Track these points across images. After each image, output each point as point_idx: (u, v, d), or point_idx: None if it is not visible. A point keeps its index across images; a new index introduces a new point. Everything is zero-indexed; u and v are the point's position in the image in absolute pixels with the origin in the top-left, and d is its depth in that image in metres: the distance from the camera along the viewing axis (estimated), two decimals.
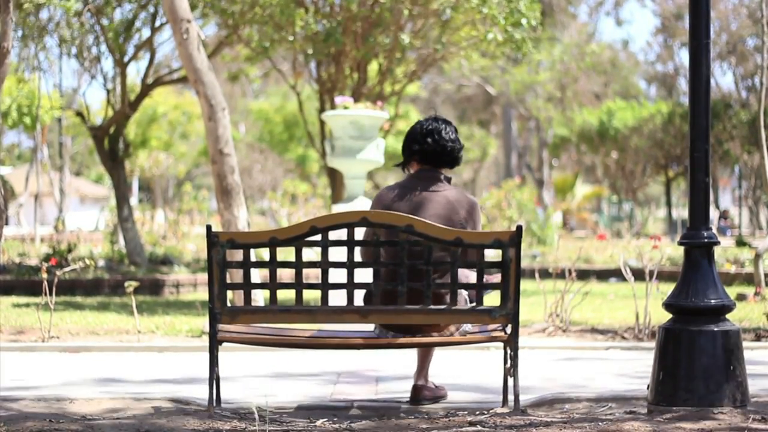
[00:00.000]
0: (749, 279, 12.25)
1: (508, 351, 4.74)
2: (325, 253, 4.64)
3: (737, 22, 28.57)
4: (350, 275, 4.63)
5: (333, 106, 11.62)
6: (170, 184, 39.10)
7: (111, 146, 13.83)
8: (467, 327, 4.97)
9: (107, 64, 25.31)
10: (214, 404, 4.70)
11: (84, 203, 40.07)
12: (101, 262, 13.55)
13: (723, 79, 57.92)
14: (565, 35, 33.71)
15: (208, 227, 4.58)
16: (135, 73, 36.41)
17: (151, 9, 13.46)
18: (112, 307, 10.25)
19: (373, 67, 13.84)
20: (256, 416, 4.34)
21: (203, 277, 12.82)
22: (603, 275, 14.57)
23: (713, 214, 29.81)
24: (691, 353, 4.39)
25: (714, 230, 4.59)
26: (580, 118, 29.71)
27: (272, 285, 4.67)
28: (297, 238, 4.60)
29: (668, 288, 5.17)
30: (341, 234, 4.70)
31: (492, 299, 4.85)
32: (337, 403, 5.15)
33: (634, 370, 6.36)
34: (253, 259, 4.68)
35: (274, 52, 13.24)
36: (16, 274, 12.41)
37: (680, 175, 29.54)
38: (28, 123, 18.87)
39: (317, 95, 14.11)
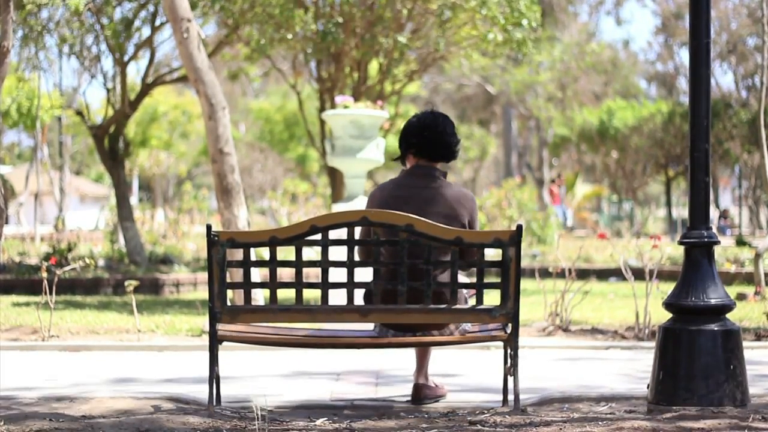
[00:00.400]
0: (749, 278, 12.25)
1: (508, 350, 4.74)
2: (325, 253, 4.64)
3: (737, 21, 28.57)
4: (350, 274, 4.63)
5: (333, 106, 11.62)
6: (170, 184, 39.07)
7: (111, 145, 13.83)
8: (467, 326, 4.97)
9: (107, 63, 25.25)
10: (214, 403, 4.70)
11: (84, 202, 40.03)
12: (101, 262, 13.55)
13: (723, 78, 58.02)
14: (565, 35, 33.71)
15: (208, 226, 4.58)
16: (135, 72, 36.49)
17: (151, 8, 13.47)
18: (112, 306, 10.24)
19: (373, 67, 13.84)
20: (256, 415, 4.34)
21: (203, 276, 12.82)
22: (603, 275, 14.56)
23: (713, 213, 29.80)
24: (691, 353, 4.39)
25: (714, 230, 4.59)
26: (581, 118, 29.68)
27: (272, 284, 4.67)
28: (297, 237, 4.60)
29: (668, 287, 5.18)
30: (341, 233, 4.70)
31: (492, 298, 4.85)
32: (337, 403, 5.15)
33: (634, 369, 6.36)
34: (253, 258, 4.69)
35: (274, 51, 13.23)
36: (16, 273, 12.40)
37: (680, 175, 29.52)
38: (29, 123, 18.86)
39: (317, 94, 14.11)
